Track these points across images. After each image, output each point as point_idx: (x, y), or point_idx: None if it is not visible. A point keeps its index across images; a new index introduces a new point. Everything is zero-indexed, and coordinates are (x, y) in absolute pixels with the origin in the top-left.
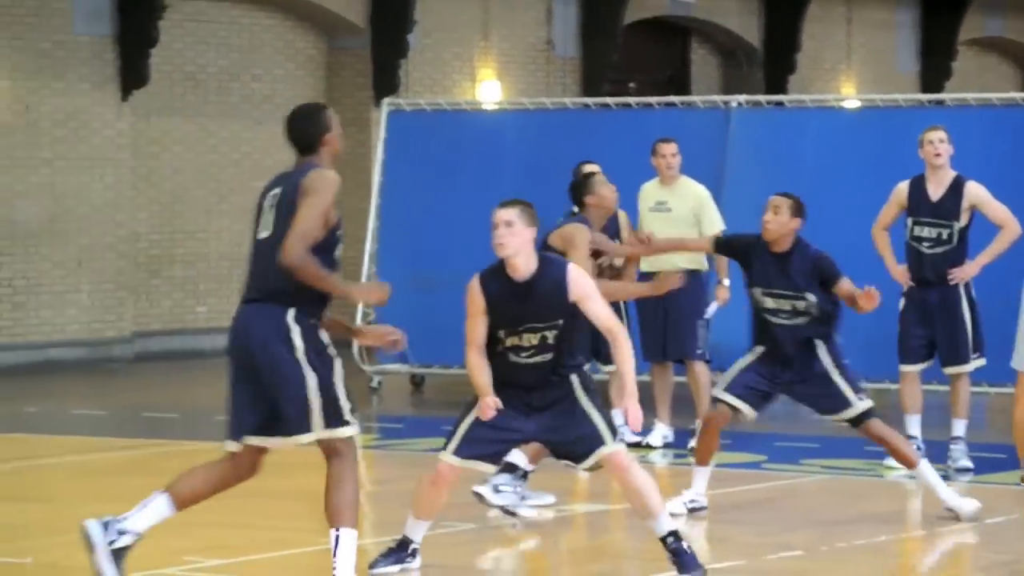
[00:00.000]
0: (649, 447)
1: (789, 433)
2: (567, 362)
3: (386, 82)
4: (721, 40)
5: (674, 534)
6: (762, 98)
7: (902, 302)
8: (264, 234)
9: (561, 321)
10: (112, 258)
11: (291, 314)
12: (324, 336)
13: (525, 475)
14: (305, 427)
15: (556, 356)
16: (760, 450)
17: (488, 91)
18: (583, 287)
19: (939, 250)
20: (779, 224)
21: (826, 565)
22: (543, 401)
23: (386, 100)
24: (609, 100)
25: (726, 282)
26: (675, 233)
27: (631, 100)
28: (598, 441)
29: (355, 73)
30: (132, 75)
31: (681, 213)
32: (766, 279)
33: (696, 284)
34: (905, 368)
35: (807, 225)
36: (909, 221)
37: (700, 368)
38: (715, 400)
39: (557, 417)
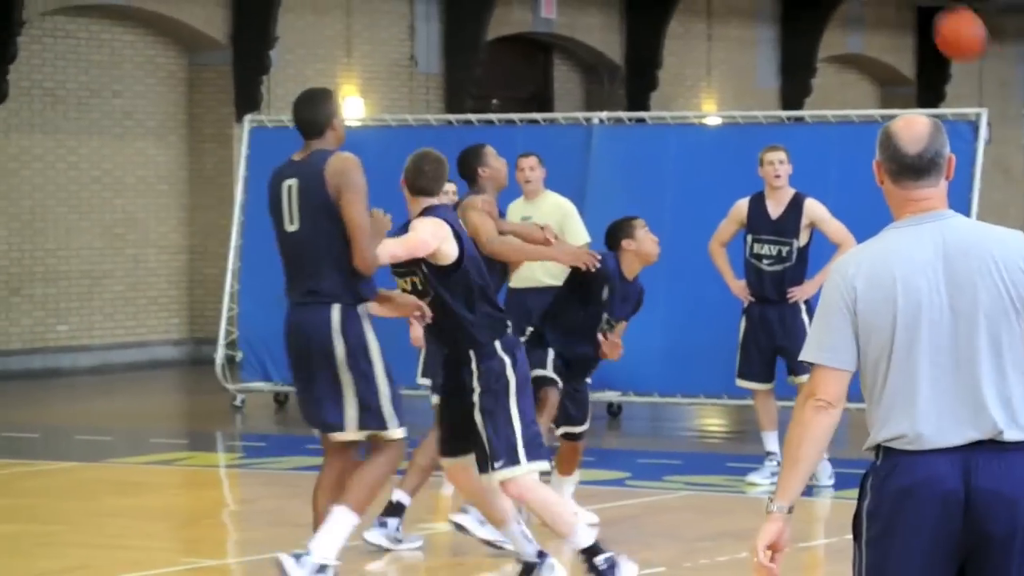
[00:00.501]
0: None
1: (652, 450)
2: (459, 319)
3: (248, 98)
4: (583, 57)
5: (543, 552)
6: (623, 115)
7: (743, 322)
8: (292, 228)
9: (422, 268)
10: None
11: (337, 311)
12: (369, 334)
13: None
14: (339, 427)
15: (441, 305)
16: (624, 467)
17: (351, 107)
18: (410, 227)
19: (779, 267)
20: None
21: None
22: (450, 365)
23: (248, 116)
24: (472, 117)
25: None
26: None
27: (493, 117)
28: (484, 464)
29: (216, 89)
30: None
31: None
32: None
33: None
34: (752, 386)
35: (668, 240)
36: (749, 238)
37: None
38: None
39: (456, 415)
